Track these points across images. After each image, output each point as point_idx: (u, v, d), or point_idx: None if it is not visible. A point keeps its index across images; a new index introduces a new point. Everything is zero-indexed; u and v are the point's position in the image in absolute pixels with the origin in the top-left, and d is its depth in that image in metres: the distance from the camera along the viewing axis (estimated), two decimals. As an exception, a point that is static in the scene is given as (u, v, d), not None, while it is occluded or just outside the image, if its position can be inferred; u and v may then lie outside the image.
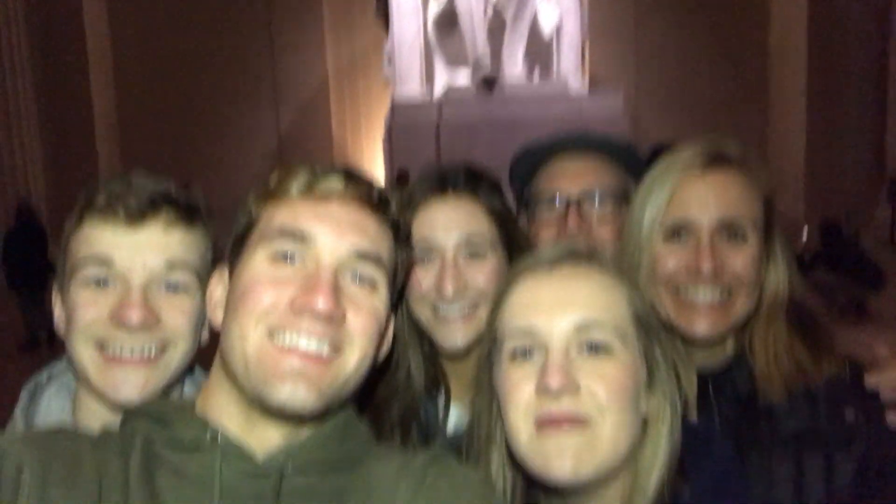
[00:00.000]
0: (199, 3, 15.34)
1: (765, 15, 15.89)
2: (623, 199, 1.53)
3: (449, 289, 1.33)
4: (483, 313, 1.31)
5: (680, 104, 15.31)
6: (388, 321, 1.06)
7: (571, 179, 1.54)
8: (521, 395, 1.02)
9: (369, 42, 15.44)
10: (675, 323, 1.29)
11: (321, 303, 0.93)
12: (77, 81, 13.74)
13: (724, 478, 1.02)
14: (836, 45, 12.88)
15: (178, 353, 1.17)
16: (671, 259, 1.31)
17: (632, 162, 1.59)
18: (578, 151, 1.57)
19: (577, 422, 0.99)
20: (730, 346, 1.34)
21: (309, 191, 1.01)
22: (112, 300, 1.13)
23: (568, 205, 1.51)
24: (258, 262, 0.99)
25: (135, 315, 1.11)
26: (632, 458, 1.02)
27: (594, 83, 13.00)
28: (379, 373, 1.29)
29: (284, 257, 0.98)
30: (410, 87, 11.66)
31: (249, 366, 0.94)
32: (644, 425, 1.04)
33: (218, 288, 1.07)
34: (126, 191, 1.15)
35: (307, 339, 0.94)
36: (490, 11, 10.84)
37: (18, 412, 1.23)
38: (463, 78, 11.12)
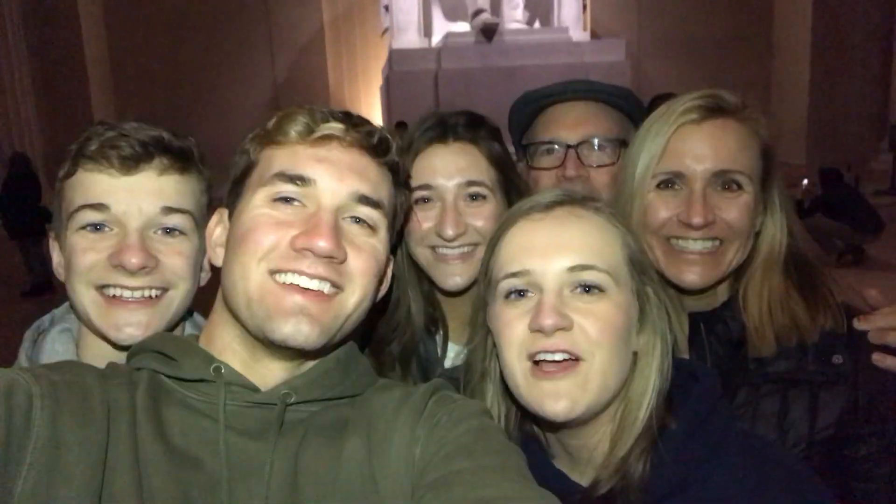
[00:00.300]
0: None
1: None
2: (622, 145, 1.53)
3: (450, 230, 1.35)
4: (481, 254, 1.33)
5: (683, 52, 15.09)
6: (387, 262, 1.07)
7: (570, 126, 1.54)
8: (514, 332, 1.04)
9: (367, -10, 15.13)
10: (666, 272, 1.29)
11: (322, 243, 0.94)
12: (68, 30, 13.52)
13: (709, 410, 1.04)
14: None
15: (179, 294, 1.19)
16: (663, 208, 1.29)
17: (632, 109, 1.59)
18: (577, 99, 1.57)
19: (570, 364, 1.01)
20: (722, 292, 1.34)
21: (308, 134, 1.01)
22: (110, 244, 1.14)
23: (566, 151, 1.52)
24: (258, 203, 0.99)
25: (134, 258, 1.12)
26: (623, 390, 1.05)
27: (595, 33, 12.78)
28: (378, 311, 1.31)
29: (285, 200, 0.98)
30: (408, 37, 11.45)
31: (252, 303, 0.95)
32: (635, 360, 1.07)
33: (217, 228, 1.07)
34: (118, 137, 1.15)
35: (308, 279, 0.95)
36: (491, -42, 10.58)
37: (22, 355, 1.24)
38: (462, 30, 10.91)
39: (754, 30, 15.44)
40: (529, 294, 1.05)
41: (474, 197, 1.39)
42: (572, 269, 1.03)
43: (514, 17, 10.58)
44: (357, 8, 15.62)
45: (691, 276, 1.28)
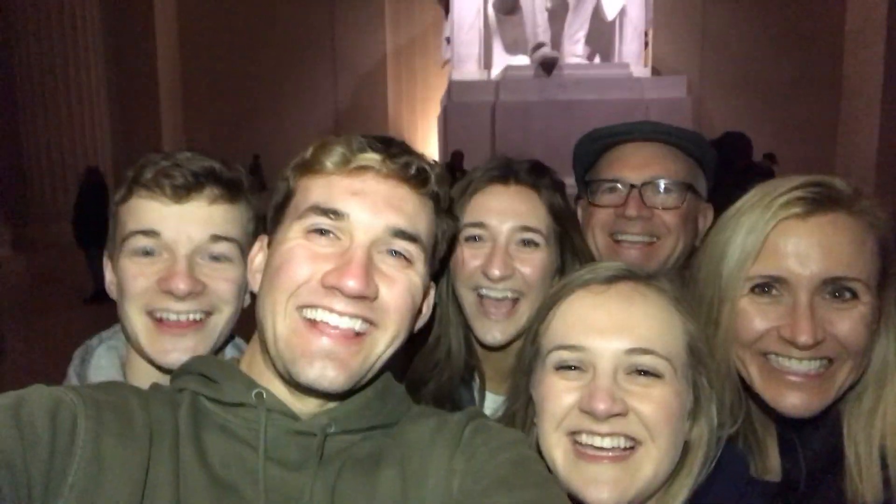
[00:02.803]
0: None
1: (841, 1, 15.17)
2: (688, 189, 1.50)
3: (496, 270, 1.33)
4: (524, 308, 1.32)
5: (746, 90, 14.82)
6: (425, 293, 1.05)
7: (636, 167, 1.51)
8: (559, 405, 1.00)
9: (429, 22, 15.42)
10: (763, 393, 1.11)
11: (352, 282, 0.92)
12: (144, 53, 14.18)
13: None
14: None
15: (223, 318, 1.23)
16: (759, 319, 1.10)
17: (702, 154, 1.55)
18: (645, 139, 1.54)
19: (622, 453, 0.97)
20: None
21: (345, 165, 0.99)
22: (160, 269, 1.18)
23: (630, 190, 1.49)
24: (293, 236, 0.98)
25: (182, 284, 1.16)
26: (667, 482, 1.01)
27: (657, 69, 12.68)
28: (416, 342, 1.30)
29: (320, 231, 0.97)
30: (468, 69, 11.60)
31: (279, 343, 0.94)
32: (684, 450, 1.02)
33: (258, 255, 1.08)
34: (172, 167, 1.19)
35: (339, 316, 0.93)
36: (553, -5, 10.67)
37: (71, 371, 1.29)
38: (521, 63, 10.99)
39: (822, 69, 15.07)
40: (582, 370, 1.00)
41: (526, 243, 1.36)
42: (631, 351, 0.98)
43: (575, 51, 10.59)
44: (419, 39, 15.93)
45: (794, 400, 1.08)
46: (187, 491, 0.86)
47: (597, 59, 11.18)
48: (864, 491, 1.05)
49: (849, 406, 1.10)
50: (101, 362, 1.29)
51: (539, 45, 10.27)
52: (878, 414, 1.08)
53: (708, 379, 1.04)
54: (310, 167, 1.01)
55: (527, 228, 1.36)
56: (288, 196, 1.03)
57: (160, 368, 1.19)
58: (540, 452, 1.04)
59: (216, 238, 1.20)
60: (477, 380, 1.44)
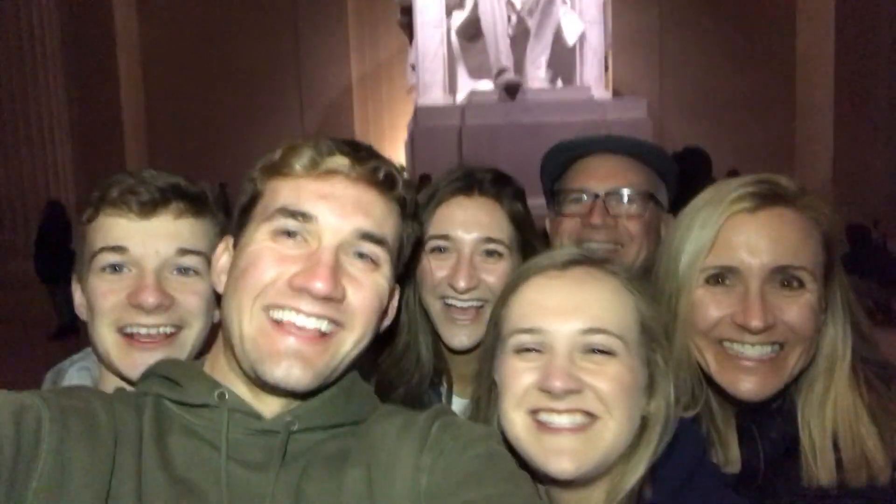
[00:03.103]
0: (226, 10, 15.58)
1: (791, 23, 15.73)
2: (650, 199, 1.57)
3: (462, 282, 1.37)
4: (489, 313, 1.35)
5: (705, 110, 15.20)
6: (390, 295, 1.05)
7: (601, 177, 1.56)
8: (519, 384, 1.03)
9: (393, 50, 15.56)
10: (718, 379, 1.16)
11: (320, 284, 0.92)
12: (107, 84, 14.05)
13: (686, 479, 1.02)
14: (864, 50, 12.71)
15: (193, 332, 1.24)
16: (713, 307, 1.16)
17: (662, 166, 1.62)
18: (610, 152, 1.60)
19: (580, 427, 0.99)
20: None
21: (313, 168, 0.99)
22: (128, 285, 1.20)
23: (594, 200, 1.54)
24: (261, 237, 0.98)
25: (150, 297, 1.17)
26: (626, 454, 1.03)
27: (617, 92, 12.96)
28: (381, 342, 1.33)
29: (287, 233, 0.97)
30: (434, 95, 11.70)
31: (245, 343, 0.94)
32: (642, 424, 1.05)
33: (223, 256, 1.07)
34: (137, 184, 1.22)
35: (306, 317, 0.93)
36: (514, 20, 10.85)
37: None
38: (486, 87, 11.14)
39: (777, 89, 15.55)
40: (539, 351, 1.04)
41: (490, 253, 1.40)
42: (585, 331, 1.02)
43: (538, 76, 10.77)
44: (385, 66, 16.06)
45: (748, 384, 1.13)
46: (149, 494, 0.85)
47: (559, 83, 11.36)
48: (819, 475, 1.09)
49: (802, 394, 1.15)
50: (73, 383, 1.30)
51: (502, 71, 10.42)
52: (829, 400, 1.13)
53: (663, 357, 1.08)
54: (278, 169, 1.01)
55: (490, 240, 1.40)
56: (255, 197, 1.03)
57: (132, 384, 1.18)
58: (503, 434, 1.06)
59: (183, 251, 1.22)
60: (444, 384, 1.47)
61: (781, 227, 1.15)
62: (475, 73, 11.60)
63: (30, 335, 8.37)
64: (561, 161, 1.65)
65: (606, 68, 12.39)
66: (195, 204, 1.26)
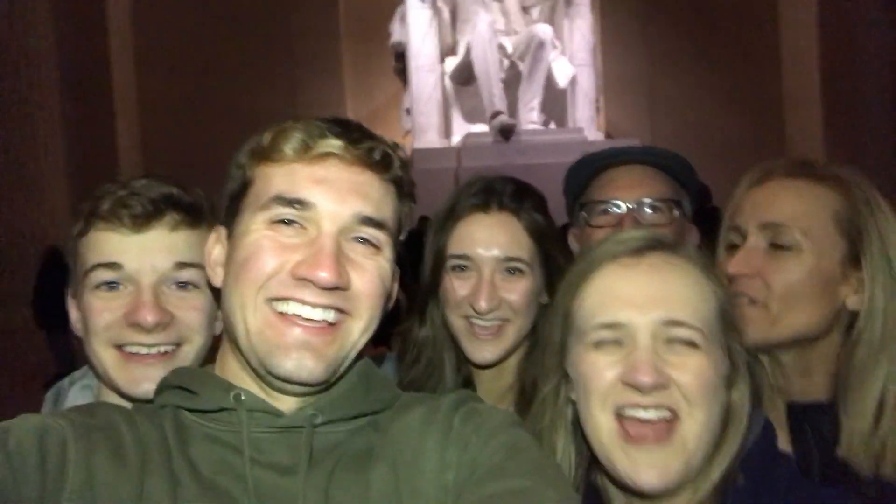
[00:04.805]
0: (222, 59, 15.87)
1: (777, 65, 16.08)
2: (677, 206, 1.59)
3: (483, 303, 1.36)
4: (512, 330, 1.36)
5: (695, 151, 15.18)
6: (393, 278, 1.02)
7: (627, 188, 1.58)
8: (602, 381, 1.00)
9: (388, 96, 15.82)
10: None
11: (324, 274, 0.89)
12: (105, 131, 14.15)
13: (771, 461, 1.00)
14: (850, 91, 12.97)
15: (195, 347, 1.19)
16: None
17: (683, 173, 1.64)
18: (632, 163, 1.62)
19: (663, 427, 0.96)
20: (825, 383, 1.20)
21: (305, 152, 0.95)
22: (124, 302, 1.15)
23: (624, 210, 1.55)
24: (256, 227, 0.94)
25: (149, 315, 1.12)
26: (715, 451, 1.00)
27: (610, 134, 13.15)
28: (388, 321, 1.29)
29: (284, 222, 0.93)
30: (429, 138, 11.87)
31: (251, 337, 0.91)
32: (727, 417, 1.02)
33: (216, 247, 1.03)
34: (129, 196, 1.17)
35: (311, 308, 0.90)
36: (506, 64, 11.08)
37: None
38: (480, 130, 11.31)
39: (766, 130, 15.81)
40: (621, 344, 1.00)
41: (511, 271, 1.39)
42: (667, 323, 0.98)
43: (531, 118, 10.96)
44: (381, 111, 16.29)
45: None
46: (183, 501, 0.83)
47: (552, 125, 11.55)
48: (858, 462, 1.09)
49: (852, 385, 1.14)
50: (77, 403, 1.25)
51: (497, 113, 10.60)
52: (876, 369, 1.12)
53: (741, 343, 1.05)
54: (267, 155, 0.97)
55: (510, 259, 1.39)
56: (245, 185, 0.99)
57: (133, 400, 1.15)
58: (581, 432, 1.03)
59: (181, 265, 1.17)
60: None
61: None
62: (470, 117, 11.79)
63: (25, 384, 8.27)
64: (586, 174, 1.65)
65: (598, 111, 12.62)
66: (191, 214, 1.20)
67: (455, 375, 1.45)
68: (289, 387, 0.93)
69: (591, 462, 1.07)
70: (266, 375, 0.92)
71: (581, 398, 1.03)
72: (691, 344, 0.99)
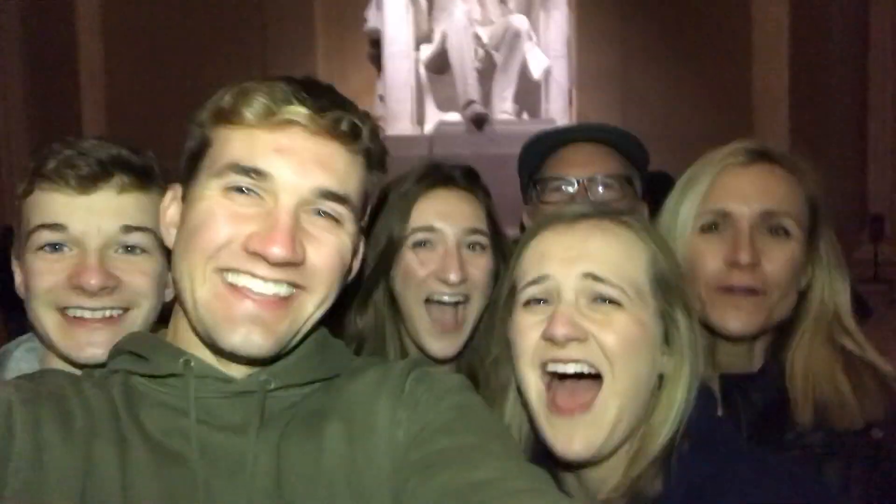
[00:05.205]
0: (193, 39, 15.58)
1: (748, 61, 16.32)
2: (628, 183, 1.62)
3: (453, 275, 1.34)
4: (469, 313, 1.35)
5: (666, 145, 15.54)
6: (354, 253, 1.00)
7: (579, 165, 1.61)
8: (529, 339, 1.02)
9: (362, 83, 15.68)
10: (710, 318, 1.25)
11: (277, 249, 0.86)
12: (71, 119, 13.82)
13: (713, 427, 1.01)
14: (818, 90, 13.25)
15: (142, 313, 1.17)
16: (708, 254, 1.25)
17: (634, 151, 1.68)
18: (585, 140, 1.65)
19: (587, 389, 0.96)
20: (758, 355, 1.28)
21: (267, 117, 0.90)
22: (68, 265, 1.12)
23: (576, 186, 1.59)
24: (211, 193, 0.91)
25: (93, 279, 1.10)
26: (644, 416, 1.01)
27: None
28: (347, 295, 1.25)
29: (240, 190, 0.90)
30: (402, 125, 11.82)
31: (199, 308, 0.89)
32: (659, 384, 1.03)
33: (171, 206, 1.00)
34: (76, 155, 1.13)
35: (263, 282, 0.88)
36: (481, 54, 11.05)
37: None
38: (454, 119, 11.29)
39: (735, 124, 16.05)
40: (547, 302, 1.04)
41: (473, 246, 1.40)
42: (587, 276, 1.00)
43: (504, 108, 10.99)
44: (355, 96, 16.05)
45: (736, 320, 1.22)
46: (132, 465, 0.83)
47: (525, 116, 11.58)
48: (803, 418, 1.16)
49: (791, 349, 1.23)
50: (21, 365, 1.23)
51: (470, 103, 10.59)
52: (813, 355, 1.20)
53: (683, 311, 1.04)
54: (228, 118, 0.93)
55: (475, 231, 1.41)
56: (203, 145, 0.95)
57: (77, 365, 1.13)
58: (522, 398, 1.04)
59: (129, 229, 1.14)
60: None
61: (770, 178, 1.26)
62: (443, 105, 11.75)
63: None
64: (538, 151, 1.68)
65: (571, 102, 12.68)
66: (141, 176, 1.17)
67: None
68: (237, 358, 0.91)
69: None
70: (213, 346, 0.91)
71: (514, 360, 1.05)
72: (615, 302, 0.99)
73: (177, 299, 0.97)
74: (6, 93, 11.59)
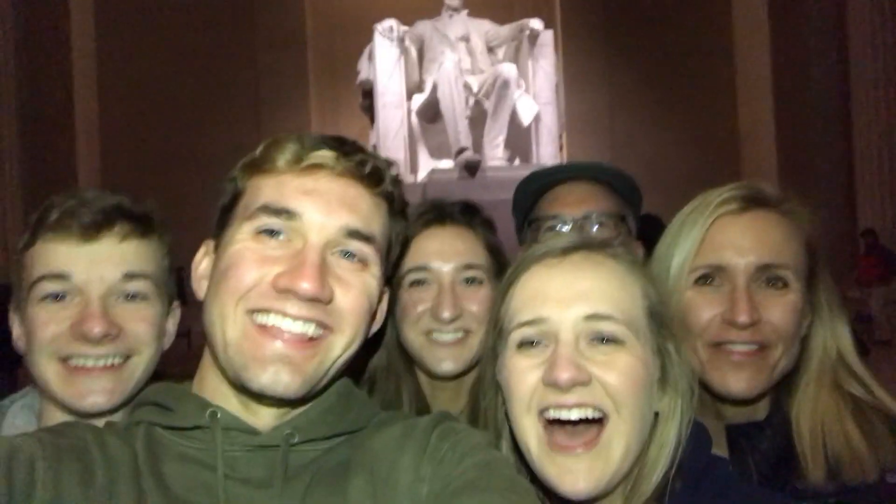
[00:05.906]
0: (188, 95, 15.83)
1: (732, 102, 16.67)
2: (622, 221, 1.62)
3: (446, 312, 1.35)
4: (474, 341, 1.35)
5: (653, 185, 15.61)
6: (380, 297, 1.00)
7: (573, 203, 1.61)
8: (525, 384, 0.97)
9: (355, 131, 15.94)
10: (709, 378, 1.19)
11: (306, 284, 0.87)
12: (64, 170, 13.91)
13: (707, 463, 0.97)
14: (803, 124, 13.53)
15: (143, 360, 1.17)
16: (704, 308, 1.18)
17: (627, 190, 1.68)
18: (579, 179, 1.65)
19: (590, 432, 0.93)
20: (763, 404, 1.23)
21: (296, 163, 0.94)
22: (71, 314, 1.12)
23: (570, 226, 1.58)
24: (242, 237, 0.92)
25: (96, 327, 1.10)
26: (641, 454, 0.97)
27: (573, 168, 13.40)
28: (371, 346, 1.26)
29: (269, 233, 0.92)
30: (395, 173, 11.96)
31: (229, 349, 0.89)
32: (655, 421, 0.99)
33: (203, 261, 1.02)
34: (78, 206, 1.15)
35: (292, 321, 0.88)
36: (472, 102, 11.26)
37: None
38: (446, 167, 11.43)
39: (722, 163, 16.29)
40: (544, 344, 0.97)
41: (470, 281, 1.40)
42: (589, 318, 0.95)
43: (496, 154, 11.14)
44: (346, 148, 16.37)
45: (737, 382, 1.15)
46: None
47: (516, 162, 11.74)
48: (813, 474, 1.09)
49: (795, 399, 1.17)
50: (16, 422, 1.22)
51: (462, 150, 10.74)
52: (820, 400, 1.14)
53: (675, 345, 1.01)
54: (259, 166, 0.96)
55: (469, 266, 1.41)
56: (236, 197, 0.98)
57: (78, 415, 1.12)
58: (516, 444, 1.00)
59: (130, 276, 1.15)
60: None
61: (766, 227, 1.18)
62: (435, 153, 11.92)
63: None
64: (532, 191, 1.68)
65: (561, 147, 12.88)
66: (141, 224, 1.19)
67: (413, 403, 1.43)
68: (265, 400, 0.92)
69: (532, 477, 1.03)
70: (242, 389, 0.91)
71: (508, 405, 1.01)
72: (617, 341, 0.96)
73: (207, 348, 0.98)
74: (1, 152, 11.69)
